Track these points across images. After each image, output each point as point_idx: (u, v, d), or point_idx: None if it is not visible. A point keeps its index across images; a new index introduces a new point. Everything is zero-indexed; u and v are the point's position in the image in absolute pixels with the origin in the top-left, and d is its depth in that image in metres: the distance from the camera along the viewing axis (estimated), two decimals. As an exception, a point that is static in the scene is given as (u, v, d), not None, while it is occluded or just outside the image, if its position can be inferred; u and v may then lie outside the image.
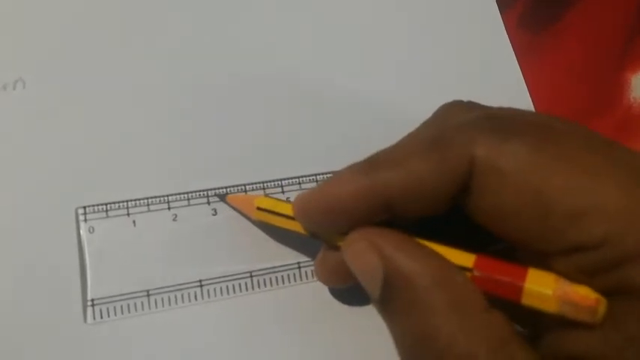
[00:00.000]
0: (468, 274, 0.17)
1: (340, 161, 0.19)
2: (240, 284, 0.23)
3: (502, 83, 0.29)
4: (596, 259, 0.16)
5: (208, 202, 0.23)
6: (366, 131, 0.26)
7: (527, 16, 0.31)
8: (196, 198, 0.23)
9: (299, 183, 0.25)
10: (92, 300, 0.21)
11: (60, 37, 0.26)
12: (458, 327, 0.16)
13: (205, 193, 0.24)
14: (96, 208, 0.23)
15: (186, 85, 0.26)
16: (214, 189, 0.24)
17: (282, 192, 0.24)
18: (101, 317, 0.21)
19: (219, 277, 0.22)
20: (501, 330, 0.16)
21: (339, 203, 0.18)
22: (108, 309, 0.22)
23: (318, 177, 0.25)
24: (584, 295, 0.16)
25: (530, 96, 0.29)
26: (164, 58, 0.26)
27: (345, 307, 0.23)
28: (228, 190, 0.24)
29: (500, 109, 0.19)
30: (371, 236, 0.18)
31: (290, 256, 0.23)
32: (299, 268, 0.23)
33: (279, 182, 0.24)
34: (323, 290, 0.23)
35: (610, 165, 0.16)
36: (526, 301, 0.17)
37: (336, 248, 0.20)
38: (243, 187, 0.24)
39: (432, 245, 0.18)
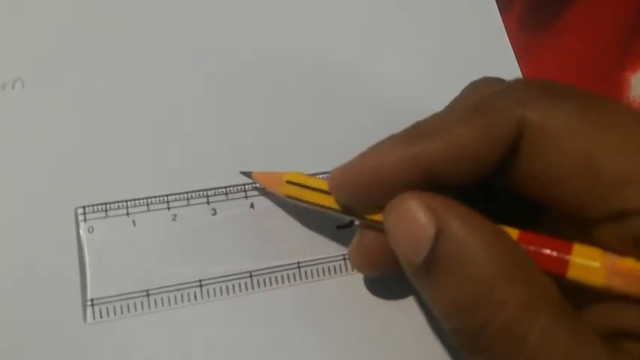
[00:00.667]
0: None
1: (343, 159, 0.19)
2: (239, 284, 0.23)
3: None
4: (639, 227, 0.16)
5: (208, 202, 0.23)
6: (367, 131, 0.25)
7: (526, 17, 0.30)
8: (196, 198, 0.23)
9: None
10: (92, 300, 0.21)
11: (59, 36, 0.25)
12: (518, 280, 0.16)
13: (205, 192, 0.24)
14: (95, 207, 0.23)
15: (186, 85, 0.26)
16: (214, 189, 0.24)
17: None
18: (101, 317, 0.21)
19: (219, 277, 0.22)
20: (557, 292, 0.16)
21: (379, 174, 0.18)
22: (107, 309, 0.21)
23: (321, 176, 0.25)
24: (633, 267, 0.16)
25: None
26: (164, 58, 0.26)
27: (345, 307, 0.23)
28: (228, 189, 0.24)
29: (534, 79, 0.20)
30: (422, 196, 0.17)
31: (290, 256, 0.23)
32: (299, 267, 0.23)
33: None
34: (322, 290, 0.23)
35: None
36: (572, 274, 0.16)
37: (371, 227, 0.19)
38: (242, 187, 0.24)
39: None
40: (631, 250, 0.16)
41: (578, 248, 0.17)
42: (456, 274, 0.16)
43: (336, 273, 0.23)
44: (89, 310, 0.21)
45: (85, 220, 0.23)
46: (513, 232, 0.17)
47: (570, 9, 0.31)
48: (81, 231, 0.22)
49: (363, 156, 0.19)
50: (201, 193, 0.24)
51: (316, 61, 0.27)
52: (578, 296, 0.17)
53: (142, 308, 0.22)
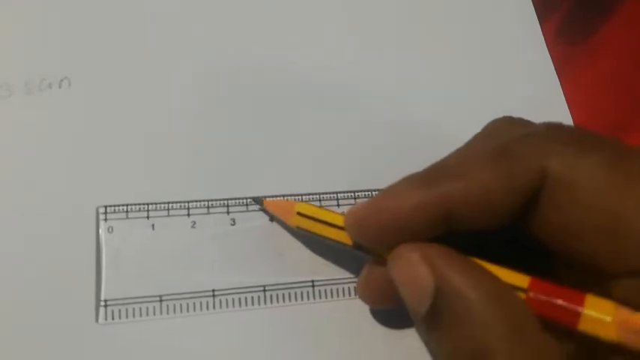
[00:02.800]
0: (522, 294, 0.17)
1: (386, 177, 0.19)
2: (253, 297, 0.22)
3: (541, 95, 0.28)
4: None
5: (228, 212, 0.23)
6: (411, 147, 0.26)
7: (565, 28, 0.30)
8: (216, 207, 0.23)
9: (354, 197, 0.25)
10: (105, 300, 0.22)
11: (107, 37, 0.26)
12: (513, 346, 0.16)
13: (226, 202, 0.24)
14: (117, 208, 0.23)
15: (220, 93, 0.26)
16: (235, 199, 0.24)
17: (338, 205, 0.24)
18: (112, 318, 0.21)
19: (233, 289, 0.22)
20: (558, 356, 0.16)
21: (397, 217, 0.18)
22: (120, 311, 0.22)
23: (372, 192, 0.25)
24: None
25: (569, 108, 0.28)
26: (198, 67, 0.26)
27: (357, 331, 0.23)
28: (248, 201, 0.24)
29: (562, 125, 0.19)
30: (422, 248, 0.17)
31: (304, 274, 0.23)
32: (313, 286, 0.23)
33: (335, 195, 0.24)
34: (335, 311, 0.23)
35: None
36: (583, 327, 0.16)
37: (383, 263, 0.19)
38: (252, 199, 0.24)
39: (484, 264, 0.17)
40: None
41: (590, 300, 0.16)
42: (455, 331, 0.16)
43: (350, 295, 0.23)
44: (102, 310, 0.21)
45: (105, 219, 0.23)
46: (524, 279, 0.17)
47: (607, 23, 0.30)
48: (100, 230, 0.22)
49: (381, 198, 0.18)
50: (222, 202, 0.24)
51: (358, 77, 0.27)
52: (593, 349, 0.17)
53: (154, 313, 0.22)
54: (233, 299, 0.22)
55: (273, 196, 0.24)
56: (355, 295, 0.23)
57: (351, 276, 0.23)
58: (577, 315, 0.16)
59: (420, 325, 0.18)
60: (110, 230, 0.23)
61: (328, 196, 0.24)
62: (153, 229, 0.23)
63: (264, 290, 0.23)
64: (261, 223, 0.24)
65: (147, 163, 0.24)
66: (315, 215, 0.21)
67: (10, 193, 0.23)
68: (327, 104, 0.26)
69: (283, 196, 0.24)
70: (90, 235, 0.22)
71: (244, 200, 0.24)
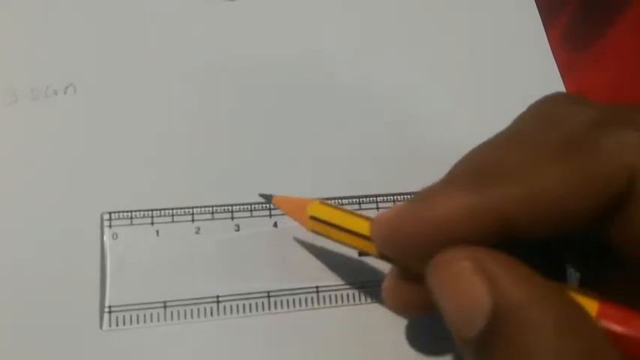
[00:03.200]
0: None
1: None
2: (257, 303, 0.22)
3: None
4: None
5: (232, 218, 0.23)
6: (415, 150, 0.25)
7: (570, 34, 0.30)
8: (221, 212, 0.23)
9: (393, 200, 0.24)
10: (109, 307, 0.22)
11: (112, 44, 0.26)
12: None
13: (230, 208, 0.23)
14: (121, 214, 0.23)
15: (224, 99, 0.26)
16: (239, 204, 0.24)
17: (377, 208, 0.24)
18: (117, 325, 0.21)
19: (237, 295, 0.22)
20: None
21: (442, 226, 0.14)
22: (124, 317, 0.22)
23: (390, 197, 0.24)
24: None
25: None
26: (200, 72, 0.26)
27: (361, 337, 0.22)
28: (253, 206, 0.24)
29: (635, 108, 0.16)
30: (478, 255, 0.14)
31: (309, 280, 0.23)
32: (317, 292, 0.23)
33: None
34: (339, 317, 0.23)
35: None
36: None
37: (413, 277, 0.17)
38: (267, 206, 0.24)
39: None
40: None
41: None
42: None
43: (354, 301, 0.23)
44: (106, 316, 0.21)
45: (110, 226, 0.23)
46: (592, 304, 0.14)
47: (612, 28, 0.30)
48: (105, 237, 0.23)
49: (419, 202, 0.15)
50: (226, 208, 0.23)
51: (372, 79, 0.27)
52: None
53: (158, 319, 0.22)
54: (237, 305, 0.22)
55: (277, 202, 0.24)
56: (361, 300, 0.23)
57: (356, 282, 0.23)
58: None
59: (467, 349, 0.14)
60: (115, 237, 0.23)
61: (344, 200, 0.24)
62: (157, 235, 0.23)
63: (269, 296, 0.23)
64: (265, 229, 0.23)
65: (151, 169, 0.24)
66: (330, 220, 0.18)
67: (14, 199, 0.23)
68: (331, 108, 0.26)
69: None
70: (94, 241, 0.22)
71: (249, 206, 0.24)
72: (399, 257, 0.16)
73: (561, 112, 0.16)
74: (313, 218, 0.19)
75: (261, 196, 0.23)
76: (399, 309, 0.19)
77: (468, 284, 0.14)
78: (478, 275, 0.13)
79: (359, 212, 0.19)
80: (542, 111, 0.17)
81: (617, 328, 0.14)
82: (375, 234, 0.17)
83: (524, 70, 0.29)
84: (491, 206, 0.14)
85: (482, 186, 0.14)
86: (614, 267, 0.16)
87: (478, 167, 0.15)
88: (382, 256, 0.17)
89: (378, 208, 0.24)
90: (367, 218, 0.18)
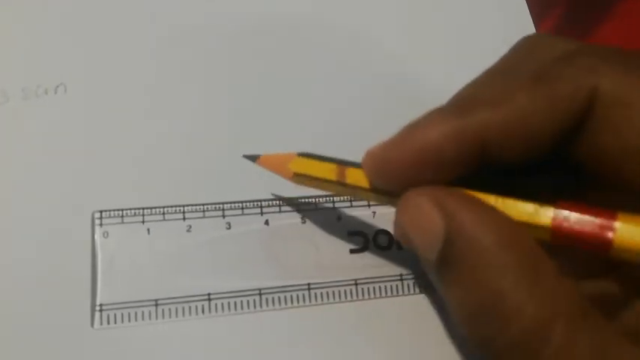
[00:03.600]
0: (548, 221, 0.16)
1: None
2: (248, 301, 0.22)
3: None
4: None
5: (223, 216, 0.23)
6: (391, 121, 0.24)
7: (559, 31, 0.30)
8: (212, 210, 0.23)
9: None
10: (101, 305, 0.22)
11: (102, 43, 0.26)
12: (528, 291, 0.15)
13: (221, 206, 0.23)
14: (112, 213, 0.23)
15: (217, 96, 0.26)
16: (230, 202, 0.24)
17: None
18: (108, 323, 0.21)
19: (228, 292, 0.22)
20: (578, 299, 0.15)
21: (427, 150, 0.16)
22: (115, 315, 0.22)
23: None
24: None
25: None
26: (190, 70, 0.26)
27: (354, 332, 0.22)
28: (244, 204, 0.24)
29: (601, 45, 0.18)
30: (432, 192, 0.16)
31: (301, 277, 0.23)
32: (309, 289, 0.23)
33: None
34: (332, 314, 0.23)
35: None
36: (617, 245, 0.15)
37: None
38: (259, 204, 0.24)
39: (501, 200, 0.16)
40: None
41: (623, 218, 0.15)
42: (467, 277, 0.16)
43: (346, 297, 0.23)
44: (97, 315, 0.21)
45: (101, 224, 0.23)
46: (546, 216, 0.16)
47: (604, 22, 0.31)
48: (96, 235, 0.22)
49: (406, 131, 0.17)
50: (217, 206, 0.23)
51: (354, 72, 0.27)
52: (609, 297, 0.16)
53: (150, 318, 0.22)
54: (229, 303, 0.22)
55: (268, 200, 0.24)
56: (353, 297, 0.23)
57: (348, 279, 0.23)
58: (609, 242, 0.15)
59: (432, 271, 0.17)
60: (106, 235, 0.23)
61: (325, 199, 0.24)
62: (148, 233, 0.23)
63: (260, 294, 0.22)
64: (257, 227, 0.23)
65: (142, 167, 0.24)
66: (312, 174, 0.20)
67: (5, 199, 0.23)
68: (322, 108, 0.26)
69: (280, 199, 0.24)
70: (85, 240, 0.22)
71: (240, 204, 0.24)
72: (390, 187, 0.18)
73: (539, 48, 0.18)
74: (297, 175, 0.20)
75: (246, 157, 0.23)
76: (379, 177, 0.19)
77: (425, 215, 0.16)
78: (434, 206, 0.16)
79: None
80: (523, 47, 0.19)
81: (571, 221, 0.16)
82: (366, 165, 0.18)
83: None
84: (471, 130, 0.16)
85: (463, 114, 0.16)
86: (588, 188, 0.17)
87: (460, 99, 0.17)
88: (373, 191, 0.18)
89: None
90: (348, 163, 0.19)
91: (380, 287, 0.23)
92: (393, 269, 0.23)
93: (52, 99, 0.25)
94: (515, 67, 0.18)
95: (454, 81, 0.22)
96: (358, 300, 0.23)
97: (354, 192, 0.19)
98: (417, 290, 0.23)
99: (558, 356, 0.14)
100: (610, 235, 0.15)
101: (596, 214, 0.16)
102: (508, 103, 0.16)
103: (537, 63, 0.17)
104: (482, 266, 0.15)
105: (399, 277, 0.23)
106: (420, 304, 0.23)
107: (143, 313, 0.22)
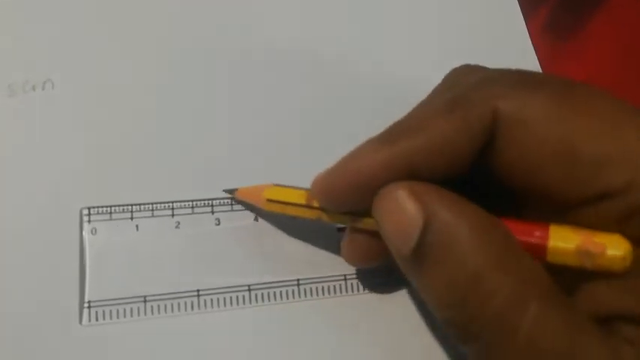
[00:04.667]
0: None
1: None
2: (238, 297, 0.22)
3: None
4: (621, 206, 0.16)
5: (212, 212, 0.23)
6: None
7: (550, 24, 0.30)
8: (201, 207, 0.23)
9: None
10: (89, 302, 0.22)
11: (89, 39, 0.26)
12: (506, 270, 0.16)
13: (210, 202, 0.23)
14: (100, 209, 0.23)
15: (204, 93, 0.26)
16: (219, 199, 0.24)
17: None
18: (96, 320, 0.21)
19: (217, 289, 0.22)
20: (548, 279, 0.16)
21: (361, 177, 0.18)
22: (104, 312, 0.22)
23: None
24: (605, 243, 0.16)
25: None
26: (179, 66, 0.26)
27: (343, 328, 0.23)
28: (233, 200, 0.24)
29: (512, 70, 0.20)
30: (410, 185, 0.17)
31: (290, 273, 0.23)
32: (298, 285, 0.23)
33: None
34: (321, 309, 0.23)
35: (629, 114, 0.17)
36: (551, 258, 0.17)
37: (359, 231, 0.20)
38: (248, 199, 0.24)
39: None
40: (615, 231, 0.16)
41: (554, 230, 0.17)
42: (445, 264, 0.16)
43: (335, 293, 0.23)
44: (85, 312, 0.21)
45: (89, 221, 0.23)
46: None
47: (594, 19, 0.30)
48: (84, 232, 0.22)
49: (344, 160, 0.19)
50: (206, 202, 0.23)
51: (331, 64, 0.27)
52: (572, 281, 0.17)
53: (138, 314, 0.22)
54: (218, 299, 0.22)
55: (257, 196, 0.24)
56: (342, 292, 0.23)
57: (337, 274, 0.23)
58: (544, 248, 0.17)
59: (406, 265, 0.18)
60: (94, 232, 0.22)
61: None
62: (137, 229, 0.23)
63: (249, 290, 0.22)
64: (245, 223, 0.23)
65: (130, 164, 0.24)
66: (284, 199, 0.21)
67: (-7, 196, 0.23)
68: (314, 103, 0.26)
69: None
70: (73, 236, 0.22)
71: (229, 200, 0.24)
72: (337, 207, 0.20)
73: (459, 79, 0.20)
74: (270, 201, 0.21)
75: (226, 191, 0.23)
76: (356, 263, 0.22)
77: (403, 207, 0.17)
78: (410, 199, 0.17)
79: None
80: (448, 80, 0.21)
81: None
82: (314, 190, 0.20)
83: (504, 62, 0.28)
84: (400, 157, 0.17)
85: (392, 142, 0.18)
86: (512, 201, 0.19)
87: (392, 128, 0.18)
88: (331, 219, 0.20)
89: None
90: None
91: (369, 282, 0.23)
92: (382, 265, 0.23)
93: (39, 95, 0.24)
94: (440, 96, 0.20)
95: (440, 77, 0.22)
96: (347, 295, 0.23)
97: (320, 215, 0.20)
98: (406, 286, 0.23)
99: (534, 330, 0.15)
100: (544, 251, 0.17)
101: (531, 231, 0.17)
102: (429, 129, 0.17)
103: (456, 90, 0.19)
104: (459, 253, 0.16)
105: (388, 273, 0.23)
106: (408, 300, 0.23)
107: (132, 309, 0.22)
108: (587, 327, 0.16)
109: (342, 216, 0.20)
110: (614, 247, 0.16)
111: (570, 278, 0.17)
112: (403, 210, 0.17)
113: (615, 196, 0.16)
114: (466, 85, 0.19)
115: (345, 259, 0.22)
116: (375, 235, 0.19)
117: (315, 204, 0.20)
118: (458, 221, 0.16)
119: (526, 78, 0.18)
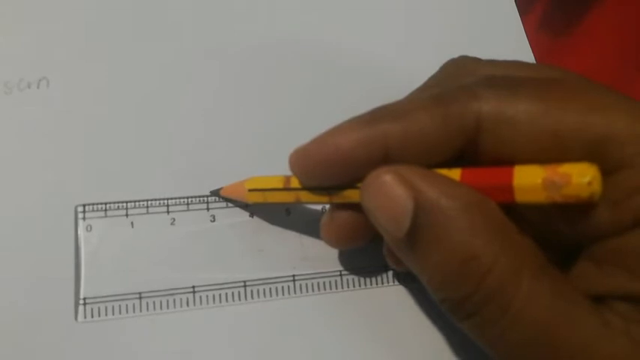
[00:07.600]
0: (457, 176, 0.18)
1: None
2: (233, 293, 0.22)
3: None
4: (614, 186, 0.16)
5: (208, 209, 0.23)
6: None
7: (547, 20, 0.30)
8: (196, 203, 0.23)
9: None
10: (84, 299, 0.22)
11: (84, 37, 0.26)
12: (499, 247, 0.16)
13: (205, 199, 0.23)
14: (95, 207, 0.23)
15: (199, 90, 0.26)
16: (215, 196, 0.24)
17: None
18: (92, 316, 0.21)
19: (213, 285, 0.22)
20: (538, 253, 0.17)
21: (338, 152, 0.18)
22: (99, 308, 0.22)
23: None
24: (571, 172, 0.16)
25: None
26: (176, 63, 0.26)
27: (339, 323, 0.22)
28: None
29: (505, 62, 0.20)
30: (398, 169, 0.17)
31: (285, 269, 0.23)
32: (294, 281, 0.23)
33: None
34: (317, 305, 0.23)
35: (614, 99, 0.17)
36: (520, 197, 0.17)
37: (342, 206, 0.20)
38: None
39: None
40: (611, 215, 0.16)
41: (518, 170, 0.17)
42: (439, 244, 0.17)
43: (331, 289, 0.23)
44: (81, 308, 0.21)
45: (84, 218, 0.23)
46: (456, 172, 0.18)
47: (591, 15, 0.30)
48: (79, 229, 0.22)
49: (323, 136, 0.19)
50: (201, 199, 0.23)
51: (326, 62, 0.27)
52: (567, 261, 0.18)
53: (134, 310, 0.22)
54: (214, 295, 0.22)
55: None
56: (337, 288, 0.23)
57: (333, 270, 0.23)
58: (511, 189, 0.17)
59: (400, 249, 0.18)
60: (89, 229, 0.22)
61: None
62: (132, 226, 0.23)
63: (245, 286, 0.22)
64: (241, 219, 0.23)
65: (125, 161, 0.24)
66: (264, 186, 0.21)
67: (-12, 193, 0.23)
68: (307, 103, 0.26)
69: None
70: (69, 233, 0.22)
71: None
72: (313, 180, 0.20)
73: (452, 76, 0.20)
74: (251, 190, 0.22)
75: (212, 192, 0.23)
76: (337, 243, 0.22)
77: (392, 192, 0.17)
78: (399, 183, 0.17)
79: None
80: (444, 70, 0.21)
81: (477, 182, 0.17)
82: (291, 163, 0.20)
83: (500, 58, 0.28)
84: (375, 138, 0.18)
85: (372, 123, 0.18)
86: None
87: (374, 111, 0.19)
88: (311, 198, 0.20)
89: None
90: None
91: (365, 278, 0.23)
92: (377, 260, 0.23)
93: (34, 93, 0.24)
94: (428, 91, 0.20)
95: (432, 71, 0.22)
96: (343, 291, 0.23)
97: (298, 196, 0.20)
98: (401, 282, 0.23)
99: (526, 303, 0.16)
100: (511, 192, 0.17)
101: (494, 170, 0.17)
102: (409, 117, 0.18)
103: (447, 85, 0.19)
104: (453, 232, 0.16)
105: (383, 268, 0.23)
106: (404, 295, 0.23)
107: (127, 306, 0.22)
108: (578, 300, 0.16)
109: (319, 196, 0.20)
110: (579, 175, 0.16)
111: (561, 259, 0.18)
112: (392, 195, 0.17)
113: (606, 176, 0.16)
114: (458, 83, 0.19)
115: (325, 241, 0.21)
116: (355, 210, 0.19)
117: (293, 184, 0.20)
118: (447, 200, 0.17)
119: (510, 80, 0.19)
